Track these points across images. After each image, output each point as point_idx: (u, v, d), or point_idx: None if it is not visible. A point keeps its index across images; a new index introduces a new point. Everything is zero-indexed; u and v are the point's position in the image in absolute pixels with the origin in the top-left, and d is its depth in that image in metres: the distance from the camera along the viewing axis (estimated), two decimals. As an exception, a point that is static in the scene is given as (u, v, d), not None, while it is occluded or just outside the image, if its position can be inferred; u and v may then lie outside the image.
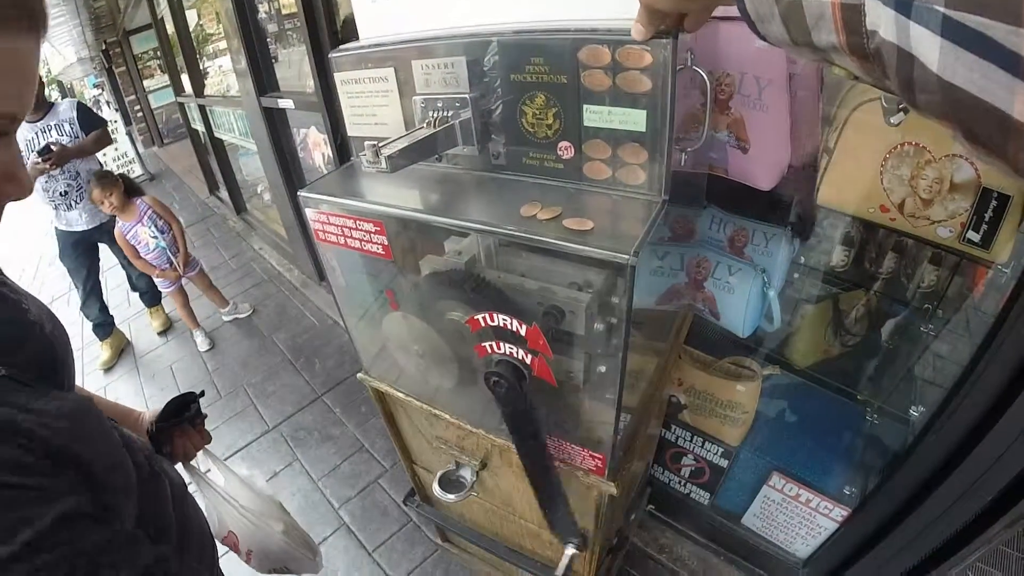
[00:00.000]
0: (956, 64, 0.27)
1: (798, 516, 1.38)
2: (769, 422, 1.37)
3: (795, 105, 0.84)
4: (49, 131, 2.78)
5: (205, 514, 0.84)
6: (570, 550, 0.98)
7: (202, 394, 0.98)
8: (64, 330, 0.63)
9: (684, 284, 1.08)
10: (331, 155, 2.44)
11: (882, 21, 0.30)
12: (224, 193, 5.12)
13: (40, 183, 2.76)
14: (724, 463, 1.45)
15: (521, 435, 0.83)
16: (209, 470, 1.00)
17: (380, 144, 0.65)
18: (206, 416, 0.99)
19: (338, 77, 0.89)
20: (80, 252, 3.03)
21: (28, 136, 2.75)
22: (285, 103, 2.63)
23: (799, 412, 1.36)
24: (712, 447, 1.45)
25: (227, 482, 1.01)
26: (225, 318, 3.40)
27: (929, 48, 0.28)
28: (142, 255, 2.88)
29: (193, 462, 0.97)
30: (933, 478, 0.99)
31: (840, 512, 1.28)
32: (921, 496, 1.02)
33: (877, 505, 1.14)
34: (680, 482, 1.61)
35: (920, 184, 0.83)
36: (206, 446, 0.99)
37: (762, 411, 1.34)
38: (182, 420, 0.93)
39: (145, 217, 2.80)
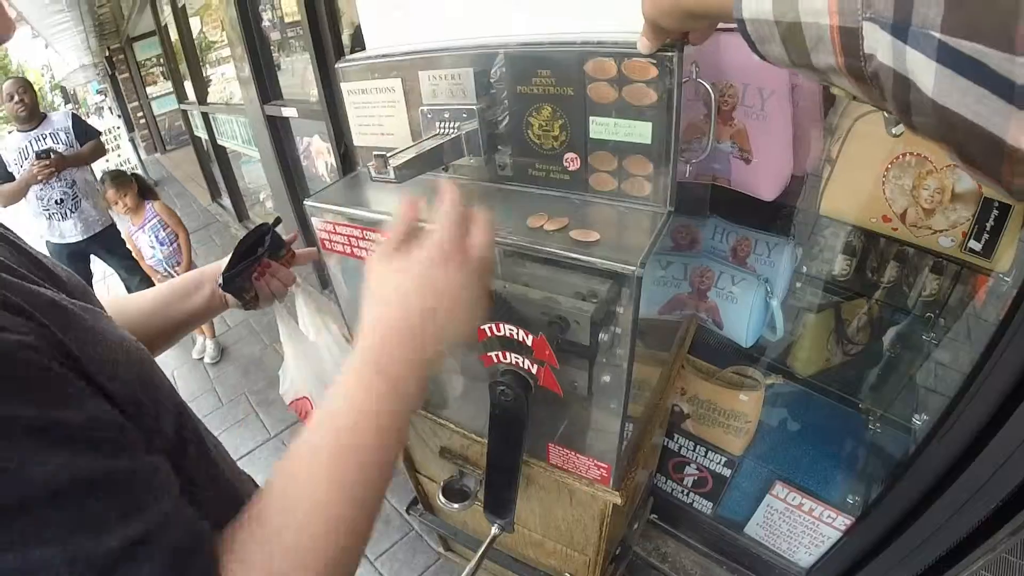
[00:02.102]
0: (951, 89, 0.28)
1: (801, 525, 1.37)
2: (772, 431, 1.37)
3: (797, 116, 0.85)
4: (44, 140, 2.78)
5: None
6: (495, 529, 0.99)
7: (278, 221, 0.84)
8: (78, 277, 0.56)
9: (687, 294, 1.09)
10: (334, 164, 2.45)
11: (879, 45, 0.31)
12: (226, 200, 5.13)
13: (34, 191, 2.73)
14: (727, 472, 1.45)
15: (504, 439, 0.84)
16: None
17: (388, 154, 0.66)
18: (291, 241, 0.83)
19: (344, 87, 0.90)
20: (75, 265, 2.97)
21: (21, 145, 2.73)
22: (289, 112, 2.64)
23: (802, 421, 1.36)
24: (715, 456, 1.44)
25: (317, 336, 0.93)
26: (194, 355, 3.26)
27: (925, 72, 0.29)
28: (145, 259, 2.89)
29: (293, 306, 0.85)
30: (936, 486, 0.99)
31: (843, 521, 1.28)
32: (924, 504, 1.01)
33: (880, 514, 1.14)
34: (683, 491, 1.61)
35: (922, 194, 0.83)
36: (298, 282, 0.86)
37: (765, 420, 1.35)
38: (256, 258, 0.80)
39: (147, 225, 2.80)
